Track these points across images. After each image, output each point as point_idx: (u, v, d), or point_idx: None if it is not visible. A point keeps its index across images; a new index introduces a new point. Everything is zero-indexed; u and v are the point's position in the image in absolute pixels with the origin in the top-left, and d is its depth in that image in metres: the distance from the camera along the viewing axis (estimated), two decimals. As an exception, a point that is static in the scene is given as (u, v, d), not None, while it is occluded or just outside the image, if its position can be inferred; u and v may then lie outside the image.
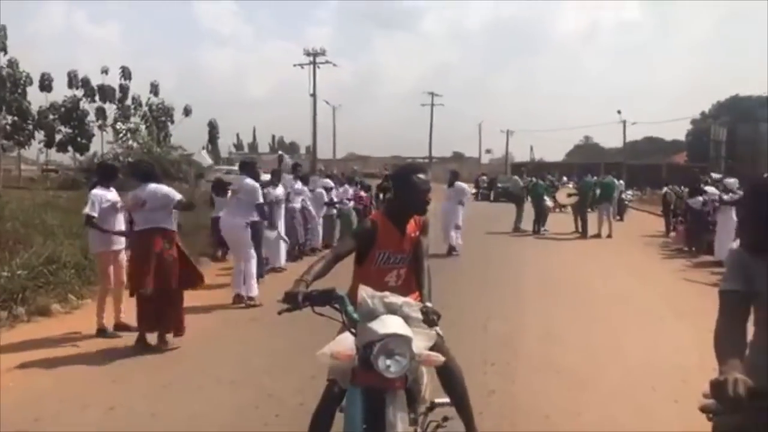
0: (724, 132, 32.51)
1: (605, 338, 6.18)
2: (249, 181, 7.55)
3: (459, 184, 12.74)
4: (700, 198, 12.95)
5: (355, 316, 2.53)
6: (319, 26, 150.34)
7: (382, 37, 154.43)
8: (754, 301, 2.06)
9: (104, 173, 6.38)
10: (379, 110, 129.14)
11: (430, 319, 2.67)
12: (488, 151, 71.90)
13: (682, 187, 16.96)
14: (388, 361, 2.40)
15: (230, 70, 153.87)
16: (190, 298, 7.38)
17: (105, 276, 6.18)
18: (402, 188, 3.16)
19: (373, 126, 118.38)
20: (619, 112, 51.23)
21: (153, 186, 5.75)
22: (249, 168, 7.89)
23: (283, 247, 9.93)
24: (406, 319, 2.53)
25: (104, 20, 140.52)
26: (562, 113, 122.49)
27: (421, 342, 2.54)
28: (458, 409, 3.12)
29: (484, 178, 36.85)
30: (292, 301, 2.54)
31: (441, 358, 2.67)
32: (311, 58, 45.66)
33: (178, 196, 5.80)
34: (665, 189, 18.08)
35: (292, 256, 10.57)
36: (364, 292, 2.55)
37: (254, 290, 7.42)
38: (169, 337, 5.70)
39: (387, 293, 2.59)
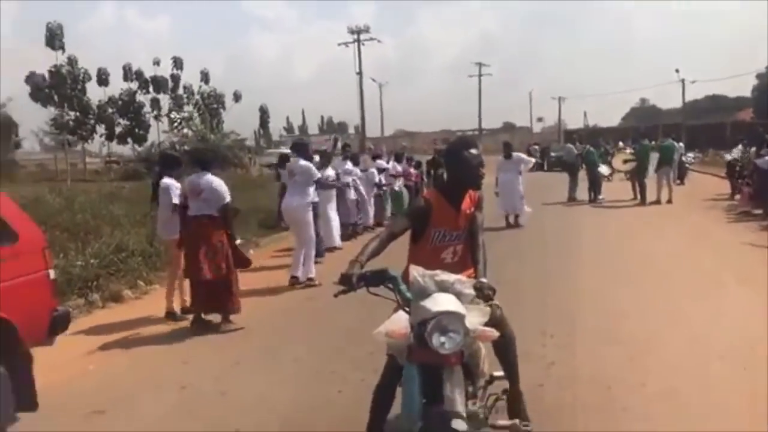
0: (793, 85, 30.59)
1: (667, 307, 6.03)
2: (303, 161, 7.70)
3: (516, 154, 12.91)
4: (768, 157, 12.33)
5: (408, 294, 2.58)
6: (362, 3, 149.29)
7: (425, 9, 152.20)
8: None
9: (168, 163, 6.66)
10: (426, 84, 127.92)
11: (485, 294, 2.69)
12: (540, 120, 70.34)
13: (747, 146, 16.14)
14: (442, 338, 2.44)
15: (277, 54, 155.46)
16: (251, 279, 7.69)
17: (176, 261, 6.40)
18: (454, 164, 3.16)
19: (420, 101, 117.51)
20: (677, 71, 49.20)
21: (209, 177, 5.93)
22: (302, 148, 8.05)
23: (336, 227, 10.08)
24: (459, 295, 2.54)
25: (154, 14, 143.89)
26: (616, 76, 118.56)
27: (475, 318, 2.56)
28: (507, 374, 3.17)
29: (536, 147, 35.97)
30: (347, 282, 2.61)
31: (495, 333, 2.69)
32: (355, 36, 45.57)
33: (226, 199, 5.89)
34: (736, 150, 17.15)
35: (345, 236, 10.73)
36: (416, 271, 2.58)
37: (313, 271, 7.59)
38: (232, 317, 5.92)
39: (438, 271, 2.60)
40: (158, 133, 32.78)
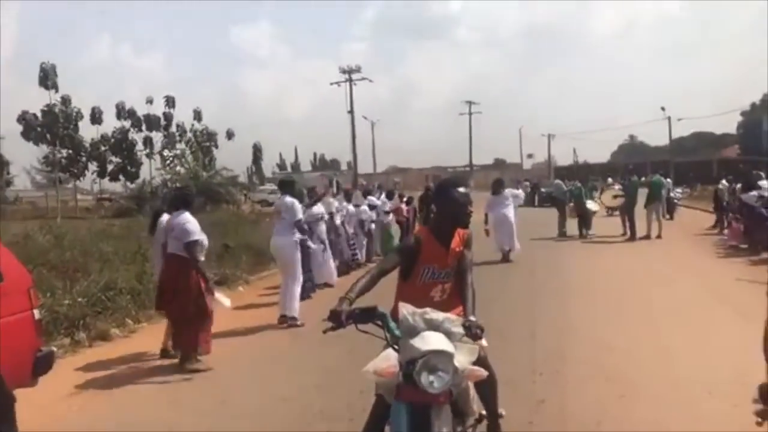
0: (776, 122, 31.32)
1: (657, 342, 6.03)
2: (288, 198, 7.71)
3: (508, 190, 13.22)
4: (755, 193, 12.49)
5: (397, 332, 2.58)
6: (354, 42, 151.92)
7: (417, 49, 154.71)
8: None
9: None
10: (417, 122, 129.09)
11: (473, 333, 2.70)
12: (530, 156, 71.01)
13: (733, 183, 16.39)
14: (431, 377, 2.44)
15: (270, 92, 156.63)
16: (239, 317, 7.66)
17: None
18: (443, 203, 3.22)
19: (412, 138, 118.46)
20: (663, 108, 50.12)
21: (183, 217, 5.89)
22: (288, 186, 8.05)
23: (332, 264, 10.08)
24: (448, 334, 2.56)
25: (147, 51, 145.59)
26: (604, 114, 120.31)
27: (464, 357, 2.57)
28: (487, 413, 3.22)
29: (527, 183, 36.34)
30: (336, 319, 2.62)
31: (484, 373, 2.70)
32: (347, 76, 46.26)
33: (190, 238, 5.74)
34: (721, 183, 17.49)
35: (339, 272, 10.71)
36: (405, 309, 2.60)
37: (295, 311, 7.48)
38: (202, 358, 5.80)
39: (427, 309, 2.62)
40: (150, 170, 32.92)
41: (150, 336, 6.38)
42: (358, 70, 47.36)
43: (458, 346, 2.57)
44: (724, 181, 18.10)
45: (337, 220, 11.10)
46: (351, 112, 46.93)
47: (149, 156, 33.51)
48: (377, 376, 2.62)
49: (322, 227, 9.83)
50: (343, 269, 11.07)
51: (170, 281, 5.84)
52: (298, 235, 7.67)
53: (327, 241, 9.98)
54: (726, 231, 15.31)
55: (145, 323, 7.50)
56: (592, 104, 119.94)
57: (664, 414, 4.21)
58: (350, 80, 46.95)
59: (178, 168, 25.94)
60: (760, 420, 1.80)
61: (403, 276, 3.17)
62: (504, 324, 6.22)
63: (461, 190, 3.18)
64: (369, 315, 2.65)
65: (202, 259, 5.94)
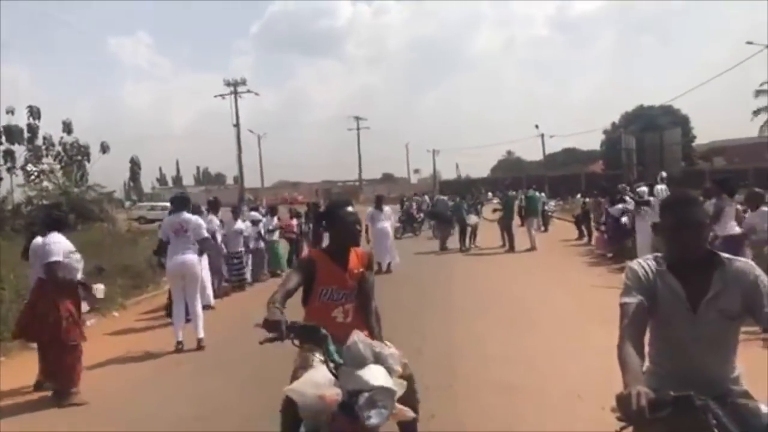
0: (633, 140, 34.46)
1: (538, 350, 6.36)
2: (193, 216, 7.46)
3: (386, 208, 13.84)
4: (620, 206, 13.64)
5: (338, 358, 2.51)
6: (240, 56, 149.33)
7: (304, 64, 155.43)
8: (651, 313, 2.23)
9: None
10: (306, 137, 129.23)
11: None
12: (417, 171, 73.21)
13: (598, 196, 17.72)
14: (372, 412, 2.40)
15: (149, 103, 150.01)
16: (113, 345, 7.24)
17: None
18: (333, 224, 3.23)
19: (301, 152, 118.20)
20: (536, 126, 53.72)
21: (48, 238, 5.52)
22: (185, 203, 7.69)
23: (209, 285, 9.68)
24: (389, 370, 2.53)
25: (13, 58, 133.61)
26: (484, 130, 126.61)
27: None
28: None
29: (426, 197, 36.62)
30: (276, 329, 2.47)
31: (412, 414, 2.71)
32: (232, 89, 45.21)
33: (48, 259, 5.36)
34: (583, 199, 18.95)
35: (219, 293, 10.35)
36: (357, 336, 2.54)
37: (201, 331, 7.14)
38: (75, 390, 5.40)
39: (376, 342, 2.61)
40: (12, 186, 30.06)
41: (9, 369, 5.78)
42: (243, 82, 46.51)
43: (394, 381, 2.56)
44: (579, 196, 19.79)
45: (218, 239, 10.69)
46: (237, 125, 45.88)
47: (10, 171, 30.61)
48: (320, 401, 2.51)
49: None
50: (224, 290, 10.74)
51: (38, 308, 5.38)
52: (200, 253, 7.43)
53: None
54: (593, 241, 16.56)
55: (3, 357, 6.80)
56: (473, 120, 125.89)
57: (544, 418, 4.46)
58: (235, 93, 45.95)
59: (45, 184, 23.90)
60: (622, 426, 1.92)
61: (304, 300, 3.14)
62: (389, 339, 6.26)
63: (349, 209, 3.21)
64: (311, 333, 2.55)
65: (77, 279, 5.55)
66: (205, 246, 7.46)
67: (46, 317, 5.31)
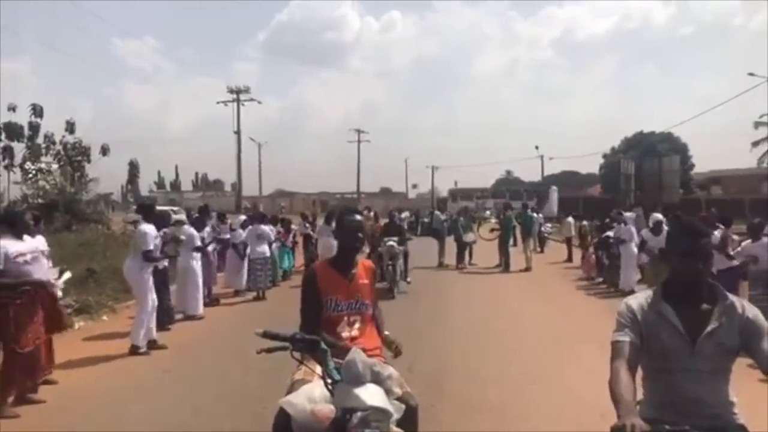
0: (632, 165, 34.60)
1: (530, 373, 6.31)
2: (141, 227, 7.31)
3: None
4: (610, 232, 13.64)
5: (335, 374, 2.48)
6: (245, 63, 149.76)
7: (309, 75, 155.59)
8: (646, 349, 2.22)
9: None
10: (306, 147, 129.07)
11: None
12: (415, 186, 73.27)
13: (594, 220, 17.70)
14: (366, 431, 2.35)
15: (152, 106, 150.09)
16: (97, 348, 7.22)
17: None
18: (338, 229, 3.24)
19: (300, 163, 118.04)
20: (536, 147, 53.90)
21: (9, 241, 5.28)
22: (147, 211, 7.64)
23: (200, 295, 9.59)
24: (387, 392, 2.50)
25: (16, 55, 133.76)
26: (484, 149, 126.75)
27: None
28: None
29: (407, 213, 35.90)
30: (278, 339, 2.57)
31: None
32: (235, 96, 45.31)
33: None
34: (579, 222, 18.94)
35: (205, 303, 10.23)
36: (356, 354, 2.50)
37: (140, 339, 7.11)
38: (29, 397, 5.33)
39: (375, 360, 2.59)
40: (8, 183, 29.94)
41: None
42: (246, 90, 46.56)
43: (392, 403, 2.52)
44: (570, 218, 19.84)
45: (209, 247, 10.60)
46: (238, 132, 45.87)
47: (8, 168, 30.52)
48: (312, 416, 2.45)
49: (191, 256, 9.37)
50: (214, 297, 10.70)
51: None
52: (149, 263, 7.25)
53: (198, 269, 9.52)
54: (582, 264, 16.47)
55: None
56: (473, 139, 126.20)
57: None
58: (238, 100, 45.97)
59: (41, 182, 23.81)
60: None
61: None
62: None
63: (355, 216, 3.19)
64: (311, 346, 2.56)
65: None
66: (146, 258, 7.19)
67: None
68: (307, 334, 2.67)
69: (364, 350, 2.92)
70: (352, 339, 3.01)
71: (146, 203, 8.11)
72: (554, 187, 47.34)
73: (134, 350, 7.06)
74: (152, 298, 7.28)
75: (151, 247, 7.23)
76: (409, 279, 12.92)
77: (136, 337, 7.09)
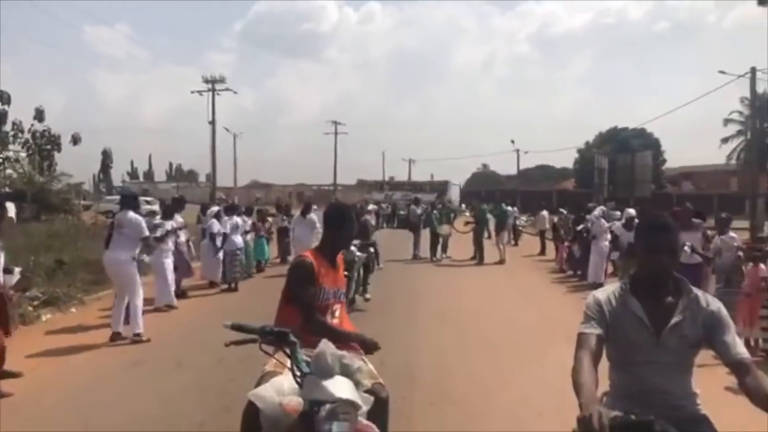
0: (605, 160, 35.15)
1: (499, 366, 6.38)
2: (132, 214, 7.30)
3: (311, 216, 13.26)
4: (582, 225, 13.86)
5: (304, 367, 2.47)
6: (220, 53, 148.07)
7: (286, 66, 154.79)
8: (611, 341, 2.25)
9: None
10: (282, 138, 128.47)
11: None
12: (391, 179, 73.14)
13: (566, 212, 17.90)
14: (333, 424, 2.34)
15: (125, 95, 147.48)
16: (66, 341, 7.10)
17: None
18: (341, 224, 3.29)
19: (276, 154, 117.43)
20: (512, 141, 54.28)
21: None
22: (131, 201, 7.61)
23: (171, 287, 9.47)
24: (356, 384, 2.50)
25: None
26: (461, 142, 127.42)
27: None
28: None
29: (374, 206, 35.19)
30: (245, 332, 2.57)
31: (376, 431, 2.66)
32: (210, 85, 44.65)
33: None
34: (552, 217, 19.17)
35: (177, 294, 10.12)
36: (326, 346, 2.50)
37: (140, 326, 7.20)
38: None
39: (345, 353, 2.58)
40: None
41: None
42: (222, 80, 45.82)
43: (361, 396, 2.53)
44: (544, 212, 20.06)
45: (182, 237, 10.42)
46: (213, 122, 45.17)
47: (-26, 156, 29.71)
48: (281, 409, 2.45)
49: (167, 247, 9.25)
50: (183, 289, 10.53)
51: None
52: (135, 253, 7.26)
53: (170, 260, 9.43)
54: (556, 257, 16.69)
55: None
56: (450, 132, 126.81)
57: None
58: (213, 90, 45.24)
59: (8, 171, 23.27)
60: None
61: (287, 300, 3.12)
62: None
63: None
64: (280, 339, 2.54)
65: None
66: (144, 244, 7.34)
67: None
68: (315, 321, 2.89)
69: (350, 334, 3.08)
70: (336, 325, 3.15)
71: (130, 193, 8.07)
72: (455, 182, 55.45)
73: (116, 337, 7.08)
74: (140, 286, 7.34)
75: (148, 233, 7.33)
76: (368, 295, 9.95)
77: (135, 326, 7.14)
